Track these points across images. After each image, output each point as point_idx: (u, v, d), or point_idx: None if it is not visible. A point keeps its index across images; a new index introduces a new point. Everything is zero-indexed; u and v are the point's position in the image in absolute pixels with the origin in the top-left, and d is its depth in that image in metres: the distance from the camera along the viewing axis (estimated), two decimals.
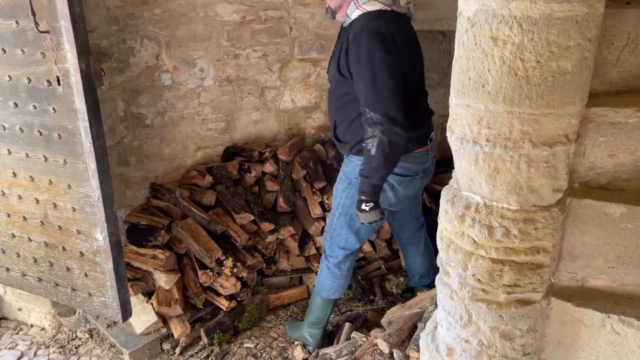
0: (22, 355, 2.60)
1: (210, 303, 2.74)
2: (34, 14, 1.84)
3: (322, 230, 3.01)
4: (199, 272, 2.64)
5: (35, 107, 2.05)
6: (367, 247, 3.15)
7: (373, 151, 1.89)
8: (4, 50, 2.01)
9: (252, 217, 2.92)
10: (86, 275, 2.24)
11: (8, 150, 2.20)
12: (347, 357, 2.17)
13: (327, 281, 2.46)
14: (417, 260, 2.69)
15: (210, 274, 2.65)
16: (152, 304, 2.57)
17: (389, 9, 1.93)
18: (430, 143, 2.21)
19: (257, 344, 2.63)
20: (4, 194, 2.30)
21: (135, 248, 2.65)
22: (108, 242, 2.10)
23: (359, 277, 3.03)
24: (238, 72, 3.16)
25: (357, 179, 2.09)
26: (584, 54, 1.10)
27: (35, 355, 2.60)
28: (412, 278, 2.78)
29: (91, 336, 2.69)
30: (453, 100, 1.29)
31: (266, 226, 2.94)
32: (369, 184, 1.98)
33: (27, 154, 2.16)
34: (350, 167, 2.20)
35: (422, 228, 2.65)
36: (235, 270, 2.69)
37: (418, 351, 1.82)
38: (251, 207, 3.00)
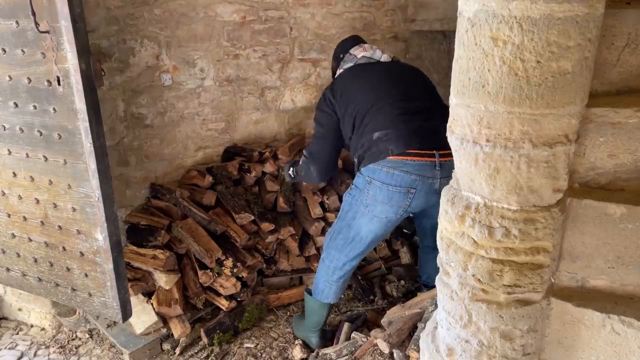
0: (22, 355, 2.60)
1: (210, 303, 2.74)
2: (34, 14, 1.84)
3: (323, 230, 3.01)
4: (199, 272, 2.64)
5: (35, 107, 2.05)
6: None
7: (300, 170, 2.63)
8: (4, 50, 2.01)
9: (252, 217, 2.92)
10: (86, 275, 2.24)
11: (8, 150, 2.20)
12: (347, 357, 2.17)
13: (321, 284, 2.46)
14: (429, 262, 2.70)
15: (210, 274, 2.65)
16: (152, 304, 2.57)
17: (351, 64, 2.47)
18: (439, 158, 2.10)
19: (257, 344, 2.63)
20: (4, 194, 2.30)
21: (135, 248, 2.65)
22: (108, 242, 2.10)
23: (359, 277, 3.03)
24: (238, 72, 3.16)
25: (360, 190, 2.23)
26: (584, 54, 1.10)
27: (35, 355, 2.60)
28: (422, 275, 2.82)
29: (91, 336, 2.70)
30: (453, 100, 1.29)
31: (266, 226, 2.94)
32: (297, 177, 2.73)
33: (27, 154, 2.16)
34: (360, 180, 2.24)
35: None
36: (235, 270, 2.69)
37: (418, 351, 1.82)
38: (251, 207, 3.00)
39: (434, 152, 2.10)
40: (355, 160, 2.31)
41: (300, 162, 2.59)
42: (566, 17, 1.05)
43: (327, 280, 2.43)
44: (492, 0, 1.09)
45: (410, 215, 2.47)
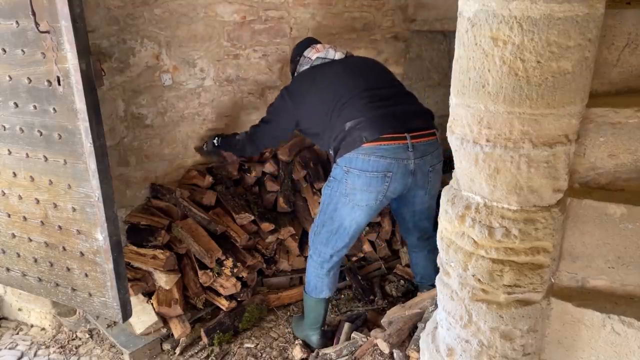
0: (22, 355, 2.60)
1: (211, 303, 2.74)
2: (34, 14, 1.84)
3: None
4: (199, 272, 2.64)
5: (35, 107, 2.05)
6: (367, 247, 3.16)
7: (234, 144, 2.84)
8: (4, 50, 2.01)
9: (252, 217, 2.92)
10: (86, 275, 2.24)
11: (8, 150, 2.20)
12: (347, 357, 2.17)
13: (313, 279, 2.48)
14: (419, 262, 2.69)
15: (211, 274, 2.65)
16: (152, 304, 2.57)
17: (307, 67, 2.55)
18: (411, 140, 2.17)
19: (257, 344, 2.63)
20: (4, 194, 2.30)
21: (135, 248, 2.65)
22: (108, 242, 2.10)
23: (359, 277, 3.03)
24: (238, 72, 3.16)
25: (338, 181, 2.26)
26: (584, 54, 1.10)
27: (35, 355, 2.60)
28: (415, 276, 2.81)
29: (91, 336, 2.70)
30: (453, 100, 1.29)
31: (266, 226, 2.94)
32: (224, 146, 2.92)
33: (27, 154, 2.16)
34: (338, 170, 2.27)
35: (428, 239, 2.59)
36: (235, 270, 2.69)
37: (418, 351, 1.82)
38: (251, 207, 3.00)
39: (406, 134, 2.17)
40: (331, 152, 2.35)
41: (240, 136, 2.82)
42: (566, 17, 1.05)
43: (318, 275, 2.45)
44: (492, 0, 1.09)
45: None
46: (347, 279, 3.03)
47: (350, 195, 2.23)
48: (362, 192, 2.21)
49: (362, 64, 2.55)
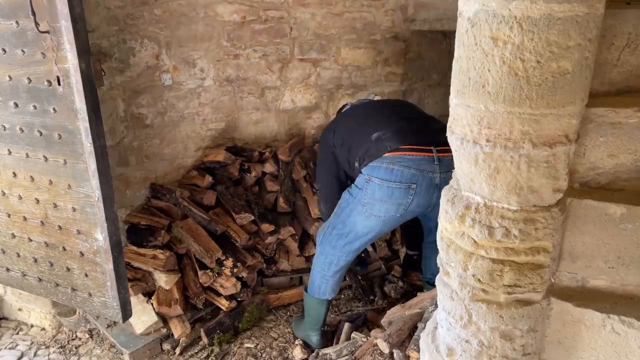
0: (22, 355, 2.60)
1: (211, 303, 2.74)
2: (34, 14, 1.84)
3: None
4: (199, 272, 2.64)
5: (35, 107, 2.05)
6: (368, 247, 3.15)
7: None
8: (4, 50, 2.01)
9: (252, 217, 2.92)
10: (86, 275, 2.24)
11: (8, 150, 2.20)
12: (347, 357, 2.17)
13: (317, 280, 2.48)
14: (433, 256, 2.68)
15: (211, 274, 2.65)
16: (152, 304, 2.57)
17: (348, 107, 2.77)
18: (437, 154, 2.16)
19: (257, 344, 2.63)
20: (4, 194, 2.30)
21: (135, 248, 2.65)
22: (108, 242, 2.10)
23: (359, 277, 3.03)
24: (238, 72, 3.16)
25: (359, 189, 2.27)
26: (584, 54, 1.10)
27: (35, 355, 2.60)
28: (425, 272, 2.80)
29: (91, 336, 2.70)
30: (453, 100, 1.28)
31: (266, 227, 2.94)
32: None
33: (27, 154, 2.16)
34: (360, 179, 2.27)
35: None
36: (235, 270, 2.69)
37: (418, 351, 1.82)
38: (251, 207, 3.00)
39: (431, 147, 2.16)
40: (357, 164, 2.35)
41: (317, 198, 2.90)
42: (566, 17, 1.05)
43: (324, 276, 2.45)
44: (492, 0, 1.09)
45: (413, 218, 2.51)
46: (347, 279, 3.03)
47: (367, 206, 2.22)
48: (382, 203, 2.19)
49: (395, 100, 2.93)
